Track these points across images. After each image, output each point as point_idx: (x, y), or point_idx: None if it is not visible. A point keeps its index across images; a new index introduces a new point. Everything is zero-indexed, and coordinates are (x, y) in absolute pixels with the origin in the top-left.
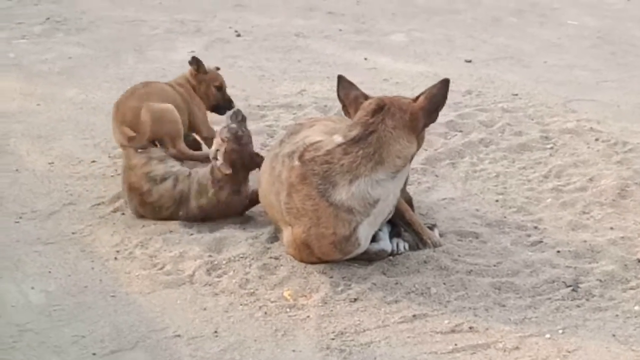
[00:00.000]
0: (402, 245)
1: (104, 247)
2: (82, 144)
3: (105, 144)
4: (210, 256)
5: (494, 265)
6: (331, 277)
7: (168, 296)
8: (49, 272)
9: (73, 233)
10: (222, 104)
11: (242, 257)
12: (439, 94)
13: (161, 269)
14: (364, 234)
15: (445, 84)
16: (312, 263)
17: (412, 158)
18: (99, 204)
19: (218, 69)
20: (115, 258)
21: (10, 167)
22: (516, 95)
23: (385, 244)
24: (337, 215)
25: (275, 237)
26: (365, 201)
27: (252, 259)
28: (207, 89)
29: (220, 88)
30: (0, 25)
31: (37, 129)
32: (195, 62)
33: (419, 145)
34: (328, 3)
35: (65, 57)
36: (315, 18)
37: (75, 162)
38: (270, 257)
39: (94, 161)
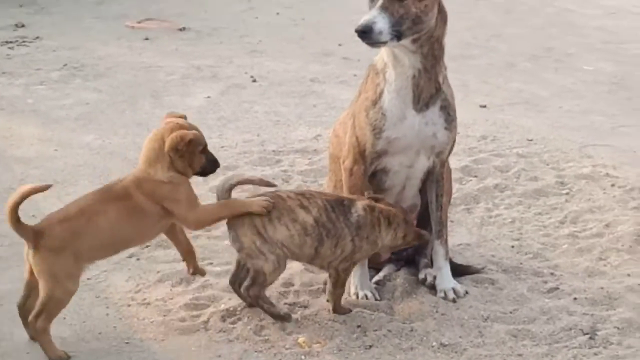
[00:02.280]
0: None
1: (119, 293)
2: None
3: None
4: (224, 302)
5: (510, 312)
6: (345, 324)
7: (182, 343)
8: (64, 318)
9: (88, 279)
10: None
11: None
12: None
13: (175, 314)
14: None
15: None
16: None
17: None
18: None
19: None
20: (129, 305)
21: (27, 212)
22: (531, 140)
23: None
24: None
25: (290, 283)
26: None
27: None
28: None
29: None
30: (18, 72)
31: (54, 175)
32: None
33: None
34: (343, 49)
35: (82, 103)
36: (330, 63)
37: None
38: (285, 304)
39: None
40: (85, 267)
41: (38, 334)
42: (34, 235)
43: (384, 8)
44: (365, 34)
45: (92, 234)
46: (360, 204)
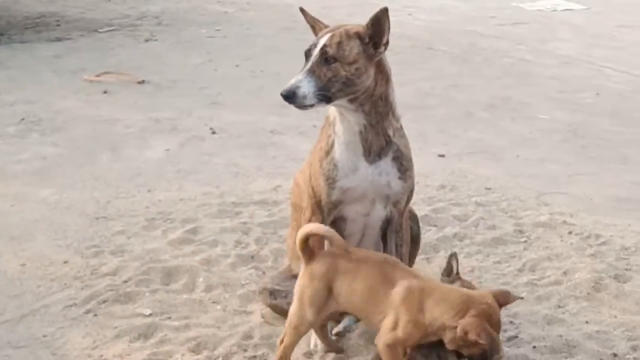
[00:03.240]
0: None
1: (76, 350)
2: (54, 244)
3: (78, 244)
4: (183, 357)
5: None
6: None
7: None
8: None
9: (44, 336)
10: None
11: (216, 359)
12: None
13: None
14: None
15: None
16: None
17: None
18: (70, 306)
19: None
20: None
21: None
22: (489, 189)
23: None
24: None
25: (249, 336)
26: None
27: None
28: None
29: None
30: None
31: (10, 230)
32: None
33: None
34: None
35: (39, 157)
36: (290, 115)
37: (47, 263)
38: (245, 357)
39: (66, 262)
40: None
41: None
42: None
43: (311, 72)
44: (290, 98)
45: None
46: None
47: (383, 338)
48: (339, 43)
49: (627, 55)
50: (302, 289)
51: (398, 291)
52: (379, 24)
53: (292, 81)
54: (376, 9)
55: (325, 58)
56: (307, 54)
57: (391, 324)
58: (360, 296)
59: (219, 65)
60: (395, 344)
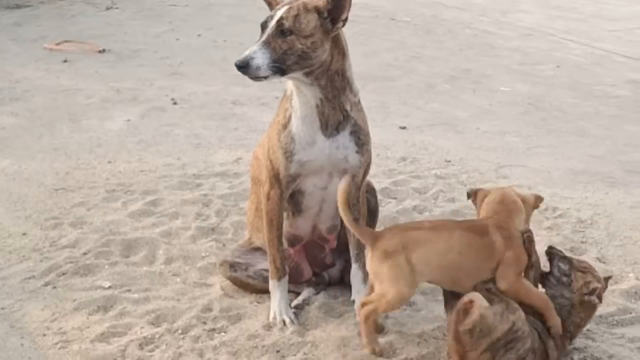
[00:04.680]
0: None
1: (34, 322)
2: (13, 216)
3: (37, 216)
4: (142, 330)
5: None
6: (264, 349)
7: None
8: None
9: (2, 308)
10: None
11: (176, 331)
12: None
13: (92, 343)
14: None
15: None
16: None
17: None
18: (29, 278)
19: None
20: (45, 334)
21: None
22: (449, 161)
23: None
24: None
25: (209, 309)
26: None
27: (185, 332)
28: None
29: None
30: None
31: None
32: None
33: None
34: None
35: None
36: (252, 85)
37: (6, 235)
38: (204, 330)
39: (24, 234)
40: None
41: (362, 320)
42: (372, 239)
43: (266, 43)
44: (243, 68)
45: (428, 250)
46: None
47: (508, 280)
48: (296, 16)
49: (587, 27)
50: (377, 269)
51: (496, 238)
52: (340, 0)
53: (247, 52)
54: None
55: (282, 30)
56: (263, 26)
57: (511, 263)
58: (451, 261)
59: (181, 35)
60: (519, 277)
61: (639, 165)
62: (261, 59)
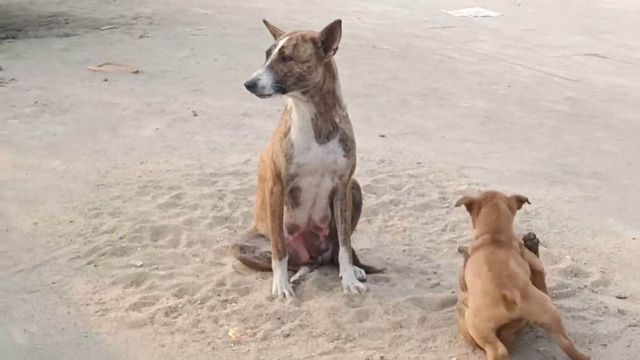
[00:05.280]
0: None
1: (79, 294)
2: (62, 207)
3: (82, 207)
4: (168, 301)
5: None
6: (268, 317)
7: (132, 335)
8: (32, 316)
9: (53, 283)
10: None
11: (195, 302)
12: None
13: (127, 312)
14: None
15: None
16: None
17: None
18: (75, 258)
19: None
20: (87, 304)
21: (2, 227)
22: (420, 163)
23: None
24: None
25: (222, 283)
26: None
27: (203, 302)
28: None
29: None
30: None
31: (25, 195)
32: None
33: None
34: None
35: (50, 134)
36: (258, 101)
37: (56, 222)
38: (219, 300)
39: (71, 221)
40: None
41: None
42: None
43: (270, 67)
44: (251, 88)
45: None
46: None
47: None
48: (295, 45)
49: (533, 54)
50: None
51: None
52: (332, 32)
53: (254, 74)
54: (332, 15)
55: (283, 57)
56: (268, 53)
57: None
58: None
59: (201, 59)
60: None
61: (574, 167)
62: (266, 80)
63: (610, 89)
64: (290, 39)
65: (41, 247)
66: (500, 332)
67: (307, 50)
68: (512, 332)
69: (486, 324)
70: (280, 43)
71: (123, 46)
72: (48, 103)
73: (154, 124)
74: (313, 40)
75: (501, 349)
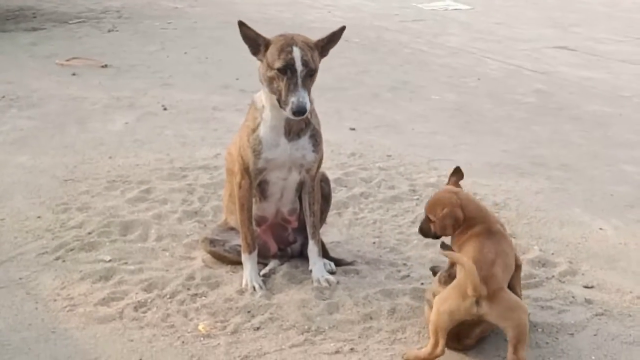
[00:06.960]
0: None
1: (47, 290)
2: (29, 202)
3: (50, 202)
4: (136, 295)
5: (373, 294)
6: (238, 310)
7: (101, 330)
8: None
9: (20, 279)
10: None
11: (165, 296)
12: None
13: (95, 307)
14: None
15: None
16: None
17: None
18: (43, 253)
19: None
20: (55, 300)
21: None
22: (390, 156)
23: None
24: None
25: (192, 277)
26: None
27: (173, 296)
28: None
29: None
30: None
31: None
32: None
33: None
34: (240, 82)
35: (17, 129)
36: (229, 95)
37: (24, 217)
38: (188, 294)
39: (39, 217)
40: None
41: None
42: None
43: (304, 86)
44: (303, 113)
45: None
46: None
47: None
48: (313, 57)
49: (502, 47)
50: None
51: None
52: (335, 38)
53: (300, 100)
54: (303, 8)
55: (310, 72)
56: (290, 68)
57: None
58: None
59: (170, 53)
60: None
61: (542, 159)
62: (307, 101)
63: (578, 81)
64: (303, 50)
65: (8, 243)
66: (464, 330)
67: (317, 57)
68: (475, 332)
69: (447, 315)
70: (299, 55)
71: (91, 40)
72: (15, 98)
73: (123, 118)
74: (317, 47)
75: (440, 350)
